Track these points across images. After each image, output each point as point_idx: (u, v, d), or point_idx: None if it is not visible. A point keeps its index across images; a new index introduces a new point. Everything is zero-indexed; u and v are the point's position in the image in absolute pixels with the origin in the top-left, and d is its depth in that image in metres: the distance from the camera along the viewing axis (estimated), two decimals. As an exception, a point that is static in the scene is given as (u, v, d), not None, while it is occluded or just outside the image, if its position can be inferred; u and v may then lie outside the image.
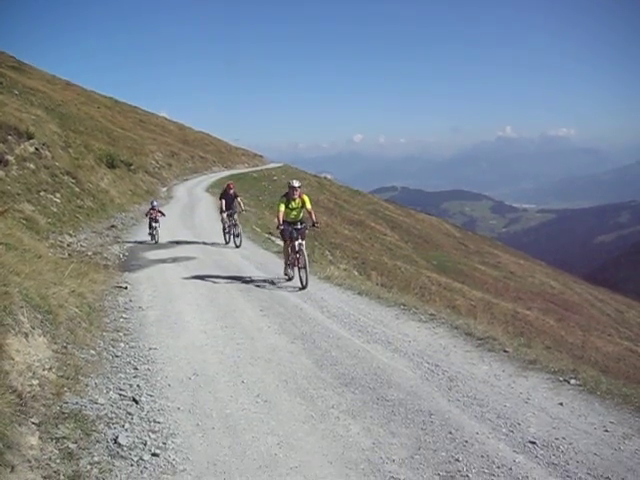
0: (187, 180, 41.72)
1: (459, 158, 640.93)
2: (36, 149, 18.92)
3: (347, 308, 9.70)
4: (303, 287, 11.24)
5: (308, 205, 11.74)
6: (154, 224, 17.49)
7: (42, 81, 44.15)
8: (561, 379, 6.27)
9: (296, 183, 11.65)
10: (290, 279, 12.13)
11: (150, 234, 17.47)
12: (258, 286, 11.54)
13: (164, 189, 33.92)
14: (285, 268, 12.32)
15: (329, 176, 78.66)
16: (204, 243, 17.46)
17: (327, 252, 25.76)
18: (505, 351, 7.30)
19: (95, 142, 29.68)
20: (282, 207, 11.52)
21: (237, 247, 16.75)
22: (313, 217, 11.74)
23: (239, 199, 17.76)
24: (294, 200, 11.69)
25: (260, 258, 15.23)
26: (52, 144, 20.95)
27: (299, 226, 11.74)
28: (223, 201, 17.45)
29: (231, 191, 17.50)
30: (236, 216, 17.31)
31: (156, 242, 17.12)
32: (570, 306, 40.07)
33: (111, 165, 27.39)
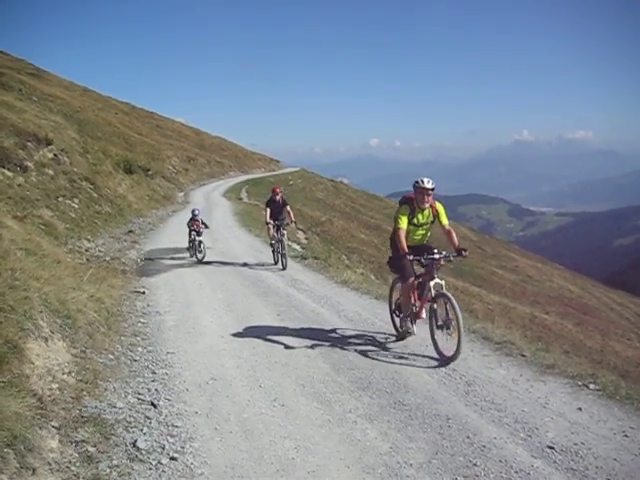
0: (204, 185, 41.99)
1: (475, 162, 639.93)
2: (55, 155, 19.12)
3: (364, 312, 9.70)
4: (447, 360, 6.89)
5: (444, 219, 7.56)
6: (197, 237, 15.29)
7: (60, 88, 44.64)
8: (580, 384, 6.21)
9: (429, 183, 7.31)
10: (402, 338, 8.01)
11: (190, 249, 15.68)
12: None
13: (181, 194, 34.15)
14: (401, 321, 7.96)
15: (345, 180, 78.81)
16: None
17: (344, 256, 25.78)
18: (523, 355, 7.25)
19: (113, 148, 29.98)
20: (404, 222, 7.39)
21: (283, 269, 13.90)
22: (454, 239, 7.34)
23: (288, 208, 14.48)
24: (422, 212, 7.49)
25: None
26: (70, 150, 21.15)
27: (436, 255, 7.28)
28: (268, 210, 14.34)
29: (277, 197, 14.31)
30: (284, 230, 14.33)
31: (199, 260, 14.95)
32: (589, 310, 39.75)
33: (128, 171, 27.64)
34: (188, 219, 16.12)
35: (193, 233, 15.46)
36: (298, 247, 20.47)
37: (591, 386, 6.11)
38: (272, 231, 14.38)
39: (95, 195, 20.18)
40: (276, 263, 14.54)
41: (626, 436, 4.94)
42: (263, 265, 14.51)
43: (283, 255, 14.12)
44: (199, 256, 15.12)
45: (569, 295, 44.87)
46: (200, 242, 15.20)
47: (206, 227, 15.97)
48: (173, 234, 19.59)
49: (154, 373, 6.60)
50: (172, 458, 4.64)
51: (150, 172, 31.24)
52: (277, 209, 14.36)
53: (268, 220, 14.27)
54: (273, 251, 14.70)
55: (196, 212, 16.07)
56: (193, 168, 45.68)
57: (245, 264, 14.55)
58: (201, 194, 35.41)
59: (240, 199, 33.79)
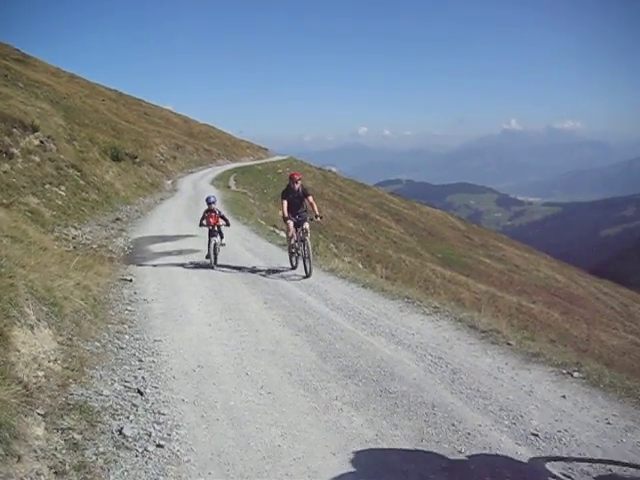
0: (192, 173, 41.78)
1: (464, 151, 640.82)
2: (41, 142, 18.98)
3: (351, 301, 9.72)
4: None
5: None
6: (215, 239, 12.54)
7: (47, 74, 44.21)
8: (564, 372, 6.28)
9: None
10: None
11: (210, 254, 12.43)
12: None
13: (169, 182, 33.97)
14: None
15: (334, 169, 78.63)
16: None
17: (332, 245, 25.80)
18: (509, 344, 7.31)
19: (100, 135, 29.74)
20: None
21: (307, 276, 11.54)
22: None
23: (310, 199, 12.04)
24: None
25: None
26: (57, 137, 21.00)
27: None
28: (285, 203, 11.91)
29: (297, 185, 11.91)
30: (307, 226, 11.89)
31: (214, 264, 12.43)
32: (575, 299, 39.99)
33: (116, 158, 27.43)
34: (202, 212, 13.12)
35: (211, 233, 12.60)
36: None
37: (575, 374, 6.17)
38: (292, 229, 11.90)
39: (82, 182, 20.04)
40: (294, 267, 12.30)
41: (609, 423, 5.00)
42: (252, 252, 14.48)
43: (307, 259, 11.65)
44: (213, 261, 12.44)
45: (556, 284, 45.17)
46: (215, 245, 12.50)
47: (227, 224, 13.25)
48: (161, 222, 19.54)
49: (141, 361, 6.60)
50: (158, 445, 4.65)
51: (138, 159, 31.01)
52: (296, 201, 12.00)
53: (287, 215, 11.81)
54: (292, 254, 12.34)
55: (212, 199, 12.95)
56: (181, 156, 45.43)
57: (232, 252, 14.49)
58: (189, 182, 35.25)
59: (228, 187, 33.67)
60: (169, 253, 14.15)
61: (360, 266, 19.97)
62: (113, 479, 4.11)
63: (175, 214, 21.84)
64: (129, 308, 8.88)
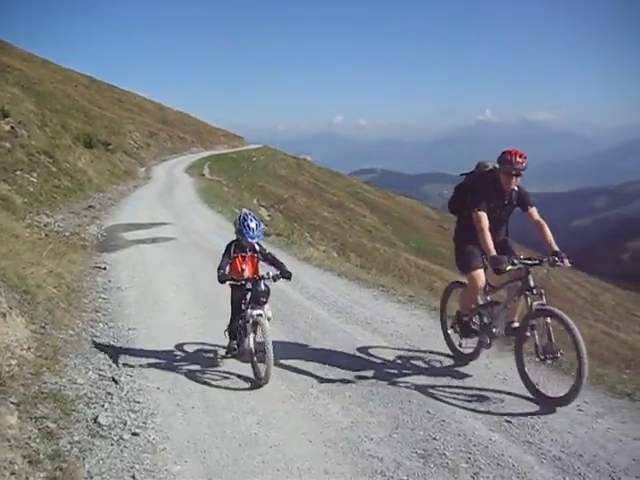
0: (166, 160, 41.42)
1: (440, 141, 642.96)
2: (12, 128, 18.70)
3: (326, 289, 9.75)
4: None
5: None
6: (256, 313, 5.77)
7: (18, 59, 43.40)
8: (537, 360, 6.34)
9: None
10: None
11: (250, 357, 5.84)
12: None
13: (142, 169, 33.65)
14: None
15: (309, 158, 78.36)
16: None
17: (306, 234, 25.73)
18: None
19: (72, 121, 29.32)
20: None
21: (564, 400, 5.02)
22: None
23: (535, 214, 6.05)
24: None
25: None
26: (28, 123, 20.69)
27: None
28: (484, 216, 5.81)
29: (513, 183, 6.13)
30: (536, 274, 5.90)
31: (258, 379, 5.67)
32: (547, 289, 40.31)
33: (88, 145, 27.07)
34: (227, 245, 6.13)
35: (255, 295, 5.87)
36: (261, 224, 20.43)
37: (548, 362, 6.23)
38: (483, 281, 6.07)
39: (54, 169, 19.77)
40: (462, 357, 6.37)
41: (580, 410, 5.07)
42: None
43: (545, 356, 5.34)
44: (261, 370, 5.66)
45: (528, 274, 45.55)
46: (255, 322, 5.79)
47: (283, 275, 5.97)
48: (135, 210, 19.34)
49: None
50: (134, 434, 4.63)
51: (111, 146, 30.65)
52: (502, 215, 6.23)
53: (495, 253, 5.62)
54: (462, 327, 6.38)
55: (248, 221, 5.83)
56: (155, 143, 45.00)
57: (207, 240, 14.41)
58: (163, 169, 34.96)
59: (202, 175, 33.47)
60: (143, 241, 14.02)
61: (335, 255, 19.97)
62: (88, 468, 4.08)
63: (149, 202, 21.65)
64: (103, 296, 8.80)
